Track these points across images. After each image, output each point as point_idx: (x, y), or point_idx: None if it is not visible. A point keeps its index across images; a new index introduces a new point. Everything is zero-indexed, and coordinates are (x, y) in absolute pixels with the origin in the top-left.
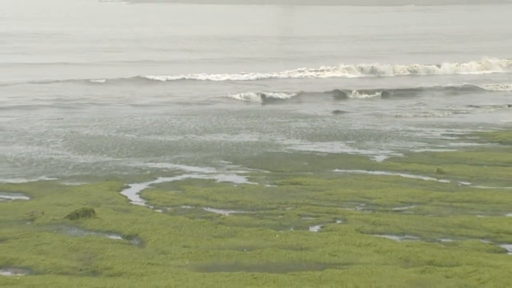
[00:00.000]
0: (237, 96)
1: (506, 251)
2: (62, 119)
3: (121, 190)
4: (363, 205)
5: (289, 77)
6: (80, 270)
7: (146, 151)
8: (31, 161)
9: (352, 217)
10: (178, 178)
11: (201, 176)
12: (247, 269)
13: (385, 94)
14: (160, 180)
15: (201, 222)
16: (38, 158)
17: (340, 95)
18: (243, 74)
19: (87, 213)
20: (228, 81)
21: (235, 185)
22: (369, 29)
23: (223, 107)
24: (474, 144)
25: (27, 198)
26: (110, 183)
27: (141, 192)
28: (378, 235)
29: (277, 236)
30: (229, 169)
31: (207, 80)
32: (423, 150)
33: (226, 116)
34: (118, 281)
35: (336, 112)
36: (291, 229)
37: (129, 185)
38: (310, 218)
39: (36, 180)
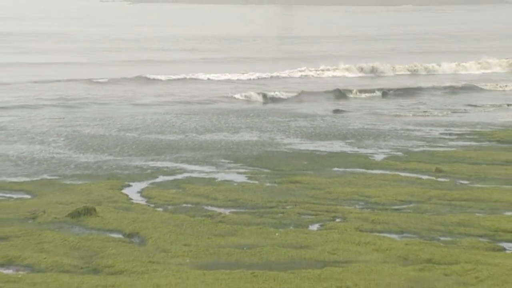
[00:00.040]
0: (237, 96)
1: (504, 249)
2: (63, 118)
3: (122, 189)
4: (362, 203)
5: (290, 77)
6: (82, 268)
7: (147, 150)
8: (33, 160)
9: (352, 215)
10: (178, 176)
11: (201, 175)
12: (247, 267)
13: (385, 93)
14: (160, 178)
15: (202, 220)
16: (40, 157)
17: (340, 94)
18: (243, 73)
19: (89, 211)
20: (229, 80)
21: (235, 184)
22: (369, 29)
23: (224, 106)
24: (473, 143)
25: (29, 196)
26: (111, 182)
27: (142, 191)
28: (377, 234)
29: (277, 234)
30: (229, 168)
31: (208, 79)
32: (422, 149)
33: (226, 115)
34: (119, 279)
35: (336, 111)
36: (291, 227)
37: (130, 183)
38: (310, 217)
39: (38, 178)
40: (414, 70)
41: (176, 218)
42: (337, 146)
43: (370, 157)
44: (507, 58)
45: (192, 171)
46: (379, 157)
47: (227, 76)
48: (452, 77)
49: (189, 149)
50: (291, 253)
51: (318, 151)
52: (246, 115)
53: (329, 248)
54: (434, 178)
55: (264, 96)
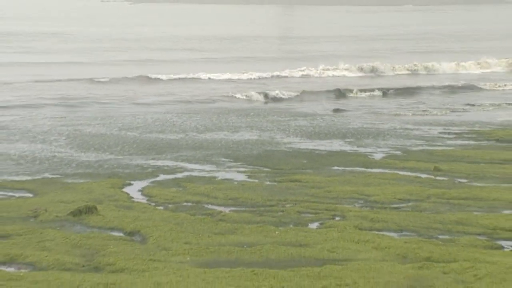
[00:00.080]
0: (238, 95)
1: (502, 247)
2: (65, 117)
3: (123, 188)
4: (362, 202)
5: (290, 76)
6: (83, 266)
7: (148, 149)
8: (35, 159)
9: (351, 214)
10: (179, 175)
11: (202, 174)
12: (247, 265)
13: (385, 93)
14: (161, 177)
15: (202, 219)
16: (42, 156)
17: (340, 94)
18: (244, 73)
19: (90, 210)
20: (229, 80)
21: (235, 183)
22: (369, 29)
23: (224, 105)
24: (471, 142)
25: (30, 195)
26: (112, 181)
27: (143, 190)
28: (376, 232)
29: (276, 232)
30: (229, 167)
31: (209, 79)
32: (420, 148)
33: (226, 114)
34: (120, 277)
35: (336, 110)
36: (291, 225)
37: (131, 182)
38: (309, 215)
39: (39, 177)
40: (414, 70)
41: (176, 217)
42: (336, 145)
43: (369, 156)
44: (506, 58)
45: (192, 170)
46: (378, 156)
47: (227, 75)
48: (452, 76)
49: (189, 148)
50: (291, 251)
51: (317, 150)
52: (246, 114)
53: (328, 246)
54: (432, 177)
55: (265, 95)
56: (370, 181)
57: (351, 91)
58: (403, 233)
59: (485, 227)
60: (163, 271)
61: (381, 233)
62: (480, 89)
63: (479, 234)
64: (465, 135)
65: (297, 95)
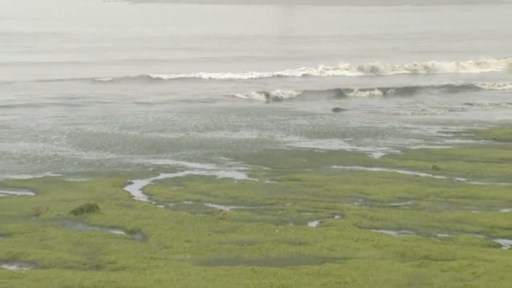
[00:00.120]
0: (238, 95)
1: (500, 245)
2: (66, 116)
3: (124, 186)
4: (361, 200)
5: (290, 76)
6: (84, 264)
7: (149, 148)
8: (36, 158)
9: (350, 212)
10: (180, 174)
11: (202, 173)
12: (247, 263)
13: (385, 92)
14: (162, 176)
15: (203, 217)
16: (43, 155)
17: (340, 93)
18: (244, 72)
19: (91, 208)
20: (230, 79)
21: (235, 181)
22: (369, 29)
23: (225, 105)
24: (469, 141)
25: (32, 193)
26: (114, 179)
27: (144, 188)
28: (376, 230)
29: (276, 231)
30: (229, 166)
31: (209, 78)
32: (419, 147)
33: (227, 114)
34: (121, 275)
35: (336, 110)
36: (291, 224)
37: (132, 181)
38: (309, 214)
39: (41, 176)
40: (414, 70)
41: (177, 215)
42: (336, 144)
43: (368, 155)
44: (505, 58)
45: (193, 169)
46: (377, 155)
47: (228, 75)
48: (451, 76)
49: (190, 147)
50: (291, 249)
51: (317, 149)
52: (247, 113)
53: (328, 245)
54: (431, 175)
55: (266, 95)
56: (369, 180)
57: (351, 90)
58: (402, 231)
59: (483, 225)
60: (164, 269)
61: (380, 231)
62: (479, 88)
63: (477, 233)
64: (464, 134)
65: (298, 95)
